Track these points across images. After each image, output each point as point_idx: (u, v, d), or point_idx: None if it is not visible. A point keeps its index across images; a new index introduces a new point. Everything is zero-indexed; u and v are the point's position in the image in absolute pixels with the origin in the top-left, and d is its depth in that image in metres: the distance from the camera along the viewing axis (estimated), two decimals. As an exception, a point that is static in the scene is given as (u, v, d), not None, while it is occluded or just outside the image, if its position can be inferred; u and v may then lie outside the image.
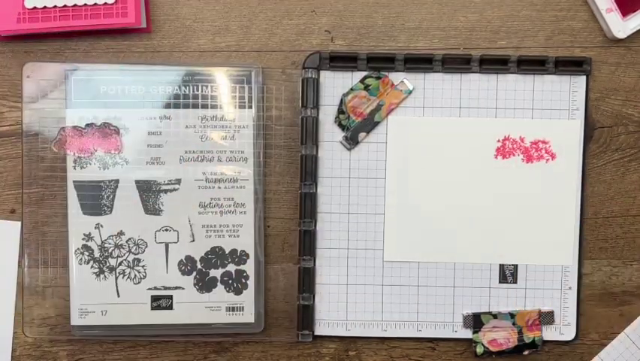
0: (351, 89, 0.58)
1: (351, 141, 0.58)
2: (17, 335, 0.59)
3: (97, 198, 0.58)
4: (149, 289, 0.58)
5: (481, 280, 0.59)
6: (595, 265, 0.60)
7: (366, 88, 0.58)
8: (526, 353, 0.60)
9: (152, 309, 0.58)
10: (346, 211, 0.59)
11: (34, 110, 0.57)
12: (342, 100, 0.58)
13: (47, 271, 0.58)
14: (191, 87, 0.57)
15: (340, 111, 0.58)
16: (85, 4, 0.55)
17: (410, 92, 0.58)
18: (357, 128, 0.58)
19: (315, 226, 0.59)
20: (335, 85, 0.58)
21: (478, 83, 0.58)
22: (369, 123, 0.58)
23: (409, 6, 0.59)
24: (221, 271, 0.58)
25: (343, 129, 0.58)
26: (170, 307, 0.58)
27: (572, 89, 0.58)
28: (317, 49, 0.58)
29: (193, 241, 0.58)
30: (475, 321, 0.59)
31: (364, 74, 0.58)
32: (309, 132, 0.58)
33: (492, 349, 0.59)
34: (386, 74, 0.58)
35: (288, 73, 0.59)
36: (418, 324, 0.59)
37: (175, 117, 0.58)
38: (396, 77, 0.58)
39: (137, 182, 0.58)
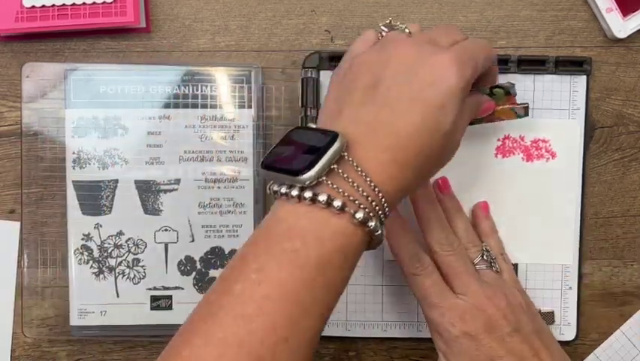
0: (351, 89, 0.58)
1: (351, 141, 0.58)
2: (16, 336, 0.59)
3: (96, 198, 0.57)
4: (149, 289, 0.58)
5: (482, 280, 0.59)
6: (595, 265, 0.60)
7: (366, 88, 0.58)
8: (526, 353, 0.59)
9: (151, 309, 0.58)
10: (346, 211, 0.58)
11: (33, 110, 0.57)
12: (341, 100, 0.58)
13: (46, 271, 0.58)
14: (190, 87, 0.57)
15: (340, 111, 0.58)
16: (83, 3, 0.55)
17: (410, 92, 0.58)
18: (357, 128, 0.58)
19: (315, 226, 0.58)
20: (335, 85, 0.58)
21: (478, 83, 0.58)
22: (369, 123, 0.58)
23: (408, 6, 0.59)
24: (220, 271, 0.58)
25: (343, 129, 0.58)
26: (170, 307, 0.58)
27: (572, 88, 0.58)
28: (317, 49, 0.58)
29: (192, 241, 0.58)
30: (476, 321, 0.59)
31: (364, 73, 0.58)
32: (309, 132, 0.57)
33: (492, 349, 0.59)
34: (386, 73, 0.58)
35: (288, 73, 0.59)
36: (418, 324, 0.59)
37: (174, 117, 0.57)
38: (396, 77, 0.58)
39: (137, 182, 0.58)
